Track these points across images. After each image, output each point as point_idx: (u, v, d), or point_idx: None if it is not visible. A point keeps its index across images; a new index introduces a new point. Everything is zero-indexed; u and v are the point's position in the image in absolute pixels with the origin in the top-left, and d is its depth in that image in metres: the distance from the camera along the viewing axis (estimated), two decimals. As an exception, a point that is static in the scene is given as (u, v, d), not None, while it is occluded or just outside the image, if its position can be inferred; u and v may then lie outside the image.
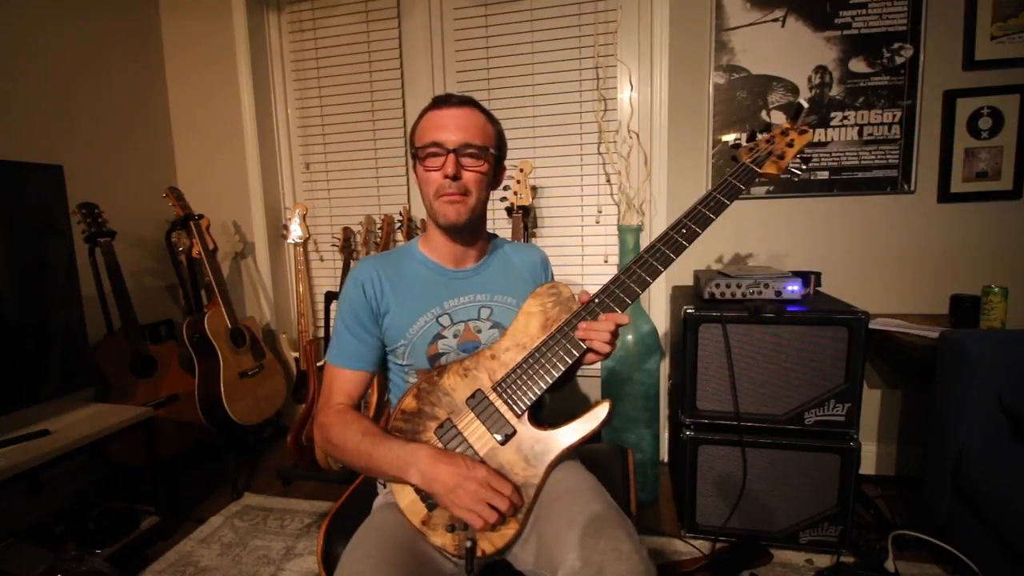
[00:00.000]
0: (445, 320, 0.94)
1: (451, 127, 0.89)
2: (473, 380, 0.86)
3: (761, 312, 1.40)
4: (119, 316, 1.77)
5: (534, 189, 1.99)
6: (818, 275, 1.71)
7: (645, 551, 0.70)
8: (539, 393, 0.83)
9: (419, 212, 2.22)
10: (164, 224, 2.16)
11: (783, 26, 1.76)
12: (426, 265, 0.97)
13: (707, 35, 1.82)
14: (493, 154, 0.93)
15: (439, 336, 0.93)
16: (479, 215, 0.95)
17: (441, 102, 0.92)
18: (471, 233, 0.96)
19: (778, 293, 1.48)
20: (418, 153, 0.91)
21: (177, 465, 1.98)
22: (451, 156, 0.87)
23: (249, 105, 2.22)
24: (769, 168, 1.02)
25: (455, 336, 0.94)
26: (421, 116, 0.94)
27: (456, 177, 0.88)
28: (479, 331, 0.95)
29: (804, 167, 1.07)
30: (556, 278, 1.06)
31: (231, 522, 1.72)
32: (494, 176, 0.97)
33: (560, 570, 0.70)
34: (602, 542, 0.70)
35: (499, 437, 0.81)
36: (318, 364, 2.01)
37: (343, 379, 0.93)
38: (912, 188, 1.74)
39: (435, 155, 0.89)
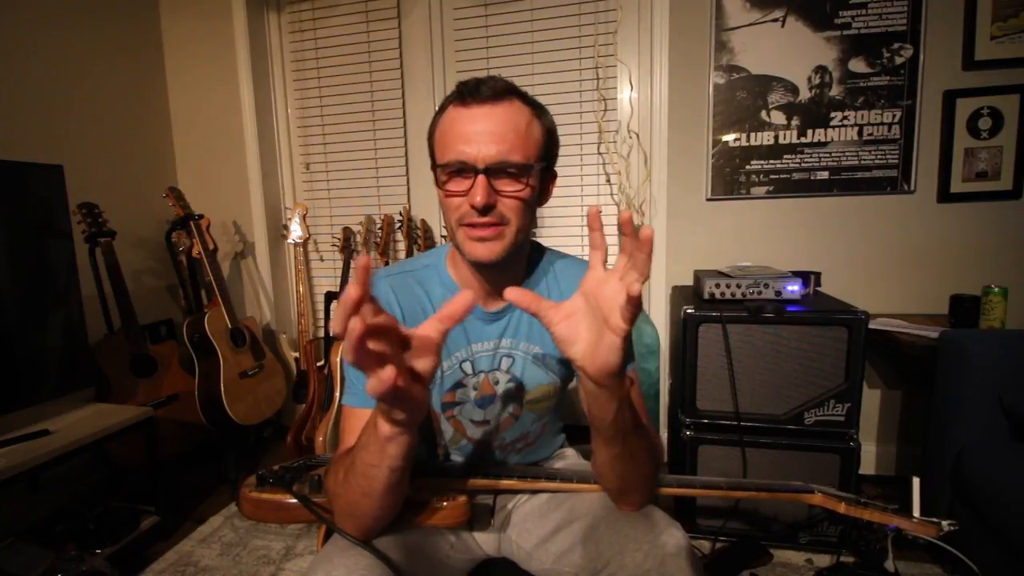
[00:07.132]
0: (468, 367, 0.80)
1: (482, 136, 0.66)
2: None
3: (761, 312, 1.40)
4: (119, 316, 1.77)
5: (534, 189, 1.99)
6: (818, 275, 1.71)
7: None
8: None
9: (419, 212, 2.22)
10: (164, 224, 2.16)
11: (783, 26, 1.76)
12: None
13: (707, 35, 1.82)
14: (540, 168, 0.71)
15: (459, 384, 0.80)
16: (520, 247, 0.73)
17: (468, 95, 0.68)
18: (508, 268, 0.75)
19: (778, 293, 1.48)
20: (437, 173, 0.70)
21: (177, 465, 1.98)
22: (480, 179, 0.66)
23: (249, 105, 2.22)
24: None
25: (475, 388, 0.81)
26: (442, 111, 0.72)
27: (488, 208, 0.67)
28: (496, 383, 0.81)
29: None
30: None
31: (231, 522, 1.72)
32: (542, 191, 0.75)
33: (612, 563, 0.66)
34: (653, 531, 0.68)
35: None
36: (318, 364, 2.01)
37: (361, 419, 0.66)
38: (912, 188, 1.74)
39: (460, 176, 0.68)
